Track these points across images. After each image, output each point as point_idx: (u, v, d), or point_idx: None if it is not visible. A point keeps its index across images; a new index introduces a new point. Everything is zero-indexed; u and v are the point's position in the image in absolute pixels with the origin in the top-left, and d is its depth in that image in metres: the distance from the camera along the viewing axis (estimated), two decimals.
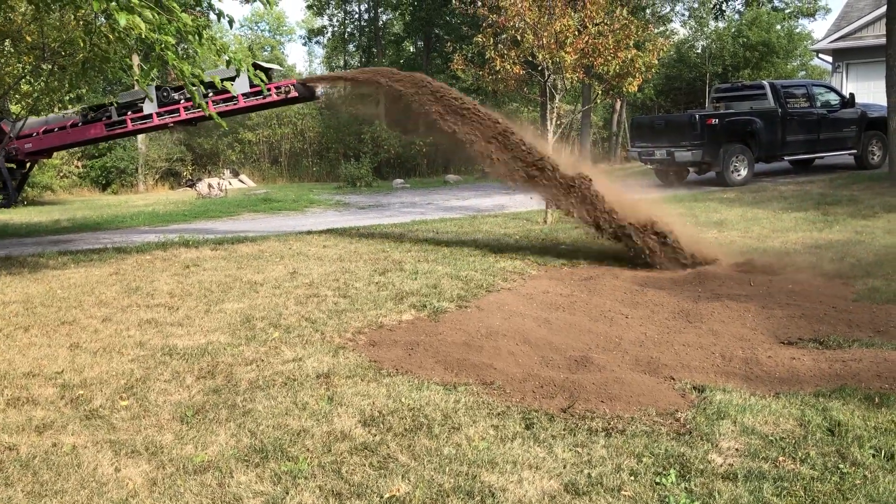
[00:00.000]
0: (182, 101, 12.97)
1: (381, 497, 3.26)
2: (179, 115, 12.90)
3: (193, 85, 6.77)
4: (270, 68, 13.79)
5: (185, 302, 7.16)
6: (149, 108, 13.34)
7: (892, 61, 13.83)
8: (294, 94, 12.19)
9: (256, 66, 12.52)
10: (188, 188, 26.64)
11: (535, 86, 16.00)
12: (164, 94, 13.15)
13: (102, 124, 13.83)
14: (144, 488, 3.44)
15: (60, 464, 3.69)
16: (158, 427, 4.14)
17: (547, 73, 12.45)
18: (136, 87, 10.64)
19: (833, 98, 17.70)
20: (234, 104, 11.45)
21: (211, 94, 8.97)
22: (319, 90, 13.92)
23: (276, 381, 4.79)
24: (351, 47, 40.72)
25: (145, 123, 13.62)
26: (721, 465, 3.44)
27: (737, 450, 3.60)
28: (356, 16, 40.73)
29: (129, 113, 13.59)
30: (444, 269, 8.19)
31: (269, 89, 11.61)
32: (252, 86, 10.79)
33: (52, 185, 26.11)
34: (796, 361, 4.84)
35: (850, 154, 17.74)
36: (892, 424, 3.79)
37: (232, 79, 10.60)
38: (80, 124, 14.40)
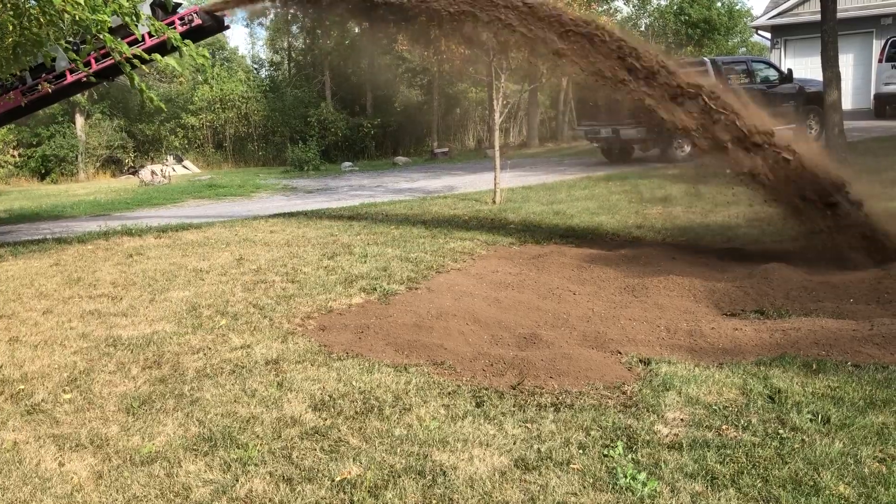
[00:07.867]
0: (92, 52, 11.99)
1: (333, 480, 3.25)
2: (92, 67, 12.13)
3: (132, 64, 6.60)
4: (176, 2, 13.08)
5: (129, 291, 7.02)
6: (61, 66, 12.60)
7: (826, 37, 14.18)
8: (198, 21, 11.42)
9: (158, 3, 11.88)
10: (130, 176, 26.07)
11: (481, 65, 15.99)
12: (74, 47, 12.49)
13: (19, 92, 13.05)
14: (90, 482, 3.37)
15: (1, 460, 3.60)
16: (104, 419, 4.06)
17: (492, 53, 12.43)
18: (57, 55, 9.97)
19: (772, 74, 18.07)
20: (142, 44, 10.68)
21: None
22: (228, 20, 13.03)
23: (224, 369, 4.73)
24: (294, 29, 40.03)
25: (61, 83, 12.89)
26: (667, 436, 3.51)
27: (682, 420, 3.68)
28: None
29: (43, 74, 12.87)
30: (393, 252, 8.17)
31: (172, 22, 10.82)
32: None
33: None
34: (739, 332, 4.96)
35: (789, 129, 18.13)
36: (828, 389, 3.91)
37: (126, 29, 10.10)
38: None
